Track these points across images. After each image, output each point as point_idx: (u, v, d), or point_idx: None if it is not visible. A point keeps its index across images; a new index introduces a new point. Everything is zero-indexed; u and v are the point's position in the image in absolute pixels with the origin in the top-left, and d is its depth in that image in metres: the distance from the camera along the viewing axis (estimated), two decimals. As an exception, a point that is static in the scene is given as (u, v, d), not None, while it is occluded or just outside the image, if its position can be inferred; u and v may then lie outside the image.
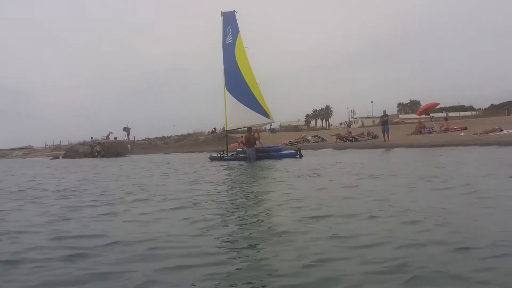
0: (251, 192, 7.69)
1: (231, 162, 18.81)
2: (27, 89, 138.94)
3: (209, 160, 21.01)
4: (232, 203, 6.32)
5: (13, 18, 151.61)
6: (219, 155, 21.08)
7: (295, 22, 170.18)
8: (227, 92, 22.36)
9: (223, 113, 22.52)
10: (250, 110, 21.64)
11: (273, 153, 19.70)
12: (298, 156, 19.02)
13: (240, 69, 22.10)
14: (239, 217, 5.14)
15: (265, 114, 21.69)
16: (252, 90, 21.73)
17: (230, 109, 22.30)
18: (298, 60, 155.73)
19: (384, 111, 29.11)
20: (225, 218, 5.03)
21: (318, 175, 9.77)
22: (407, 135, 29.37)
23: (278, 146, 22.23)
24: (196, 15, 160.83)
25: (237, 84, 22.08)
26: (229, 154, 21.53)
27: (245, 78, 21.92)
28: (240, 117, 21.90)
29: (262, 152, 19.48)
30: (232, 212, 5.48)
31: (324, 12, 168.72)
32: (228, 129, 23.55)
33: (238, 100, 22.00)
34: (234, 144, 24.18)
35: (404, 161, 13.87)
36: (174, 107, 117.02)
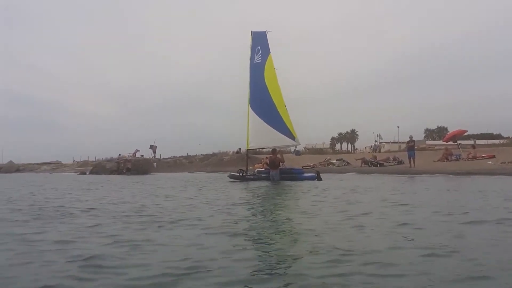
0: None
1: (252, 182, 18.63)
2: (57, 102, 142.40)
3: (229, 178, 20.80)
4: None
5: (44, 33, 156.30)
6: (240, 174, 20.85)
7: (326, 46, 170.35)
8: (251, 111, 22.17)
9: (246, 132, 22.35)
10: (275, 130, 21.47)
11: (296, 175, 19.66)
12: (317, 179, 19.05)
13: (269, 89, 21.97)
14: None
15: (291, 136, 21.52)
16: (279, 111, 21.59)
17: (253, 128, 22.03)
18: (326, 84, 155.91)
19: (411, 137, 28.92)
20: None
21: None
22: (434, 161, 29.06)
23: (300, 169, 21.91)
24: (227, 32, 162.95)
25: (264, 104, 21.94)
26: (250, 174, 21.34)
27: (272, 98, 21.79)
28: (263, 137, 21.70)
29: (285, 173, 19.51)
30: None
31: (353, 37, 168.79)
32: (249, 148, 23.18)
33: (263, 120, 21.78)
34: (258, 164, 24.33)
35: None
36: (201, 126, 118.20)
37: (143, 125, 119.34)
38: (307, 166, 33.22)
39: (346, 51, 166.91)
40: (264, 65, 22.59)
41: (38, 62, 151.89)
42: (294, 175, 19.58)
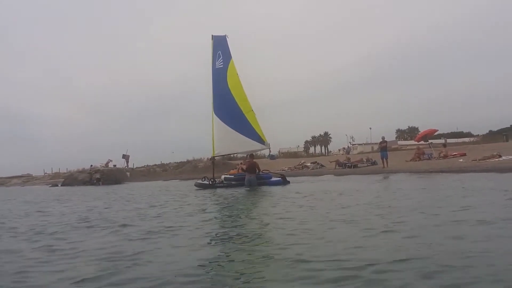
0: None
1: (219, 190, 17.91)
2: (26, 113, 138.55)
3: (196, 187, 20.02)
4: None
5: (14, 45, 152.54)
6: (209, 182, 20.11)
7: (293, 50, 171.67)
8: (215, 117, 21.79)
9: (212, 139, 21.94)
10: (242, 136, 21.05)
11: (266, 180, 19.40)
12: (283, 183, 18.98)
13: (233, 95, 21.53)
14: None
15: (260, 140, 21.13)
16: (247, 116, 21.19)
17: (218, 134, 21.66)
18: (296, 88, 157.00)
19: (383, 138, 29.24)
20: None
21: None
22: (406, 161, 29.43)
23: (268, 174, 20.89)
24: (192, 38, 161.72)
25: (229, 109, 21.51)
26: (217, 181, 20.59)
27: (238, 104, 21.38)
28: (229, 143, 21.36)
29: (259, 179, 19.19)
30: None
31: (322, 40, 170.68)
32: (214, 155, 22.82)
33: (229, 126, 21.37)
34: (233, 170, 23.99)
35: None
36: (173, 134, 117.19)
37: (115, 134, 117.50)
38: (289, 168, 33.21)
39: (315, 54, 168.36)
40: (227, 71, 22.12)
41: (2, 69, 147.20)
42: (264, 180, 19.34)
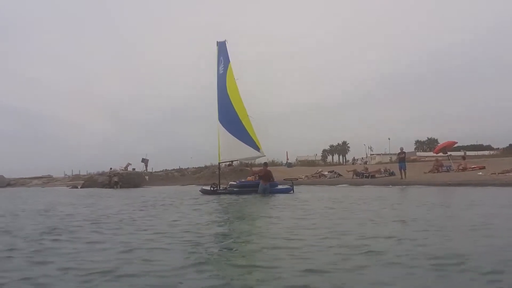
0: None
1: (223, 196, 18.08)
2: (48, 115, 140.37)
3: (201, 193, 20.20)
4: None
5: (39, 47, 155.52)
6: (211, 189, 20.37)
7: (313, 59, 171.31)
8: (219, 124, 21.80)
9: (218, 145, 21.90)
10: (241, 142, 20.88)
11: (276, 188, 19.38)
12: (292, 191, 18.98)
13: (231, 100, 21.37)
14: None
15: (256, 147, 20.82)
16: (243, 122, 20.92)
17: (223, 141, 21.61)
18: (317, 96, 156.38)
19: (401, 148, 29.12)
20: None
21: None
22: (424, 173, 29.24)
23: (275, 182, 20.60)
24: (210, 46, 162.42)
25: (229, 115, 21.38)
26: (222, 187, 20.73)
27: (235, 109, 21.19)
28: (231, 149, 21.28)
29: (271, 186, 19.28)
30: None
31: (344, 49, 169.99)
32: (220, 161, 22.75)
33: (229, 132, 21.28)
34: (250, 177, 24.00)
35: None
36: (193, 139, 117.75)
37: (135, 138, 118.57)
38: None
39: (336, 64, 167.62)
40: (226, 75, 21.95)
41: (27, 71, 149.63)
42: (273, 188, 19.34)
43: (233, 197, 17.19)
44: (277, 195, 17.78)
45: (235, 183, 20.98)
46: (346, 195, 16.31)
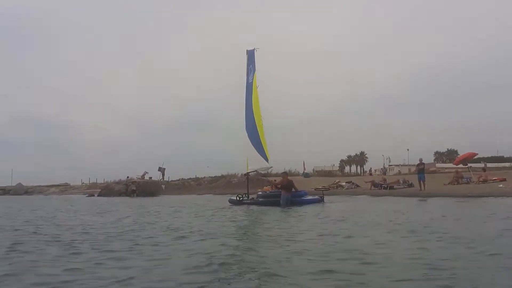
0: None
1: (252, 207, 17.95)
2: (65, 122, 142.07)
3: (229, 204, 20.23)
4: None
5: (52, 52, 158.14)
6: (237, 199, 20.39)
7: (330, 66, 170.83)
8: (245, 133, 21.86)
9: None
10: (256, 152, 20.85)
11: (301, 199, 18.87)
12: (323, 202, 18.80)
13: (253, 108, 21.27)
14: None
15: (265, 157, 20.66)
16: (258, 131, 20.82)
17: (247, 150, 21.63)
18: (334, 105, 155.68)
19: (421, 160, 28.69)
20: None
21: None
22: (444, 184, 28.76)
23: (301, 191, 20.28)
24: (239, 51, 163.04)
25: (251, 125, 21.36)
26: (246, 198, 20.64)
27: (255, 119, 21.06)
28: (250, 159, 21.30)
29: (294, 197, 18.68)
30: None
31: (363, 58, 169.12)
32: (248, 171, 22.60)
33: (251, 142, 21.28)
34: (267, 187, 23.78)
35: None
36: (209, 148, 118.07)
37: (152, 147, 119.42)
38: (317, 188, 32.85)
39: (353, 73, 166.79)
40: (252, 84, 21.87)
41: (44, 80, 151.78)
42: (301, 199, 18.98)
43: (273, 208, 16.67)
44: (315, 205, 17.45)
45: (261, 193, 20.46)
46: (394, 208, 15.67)
